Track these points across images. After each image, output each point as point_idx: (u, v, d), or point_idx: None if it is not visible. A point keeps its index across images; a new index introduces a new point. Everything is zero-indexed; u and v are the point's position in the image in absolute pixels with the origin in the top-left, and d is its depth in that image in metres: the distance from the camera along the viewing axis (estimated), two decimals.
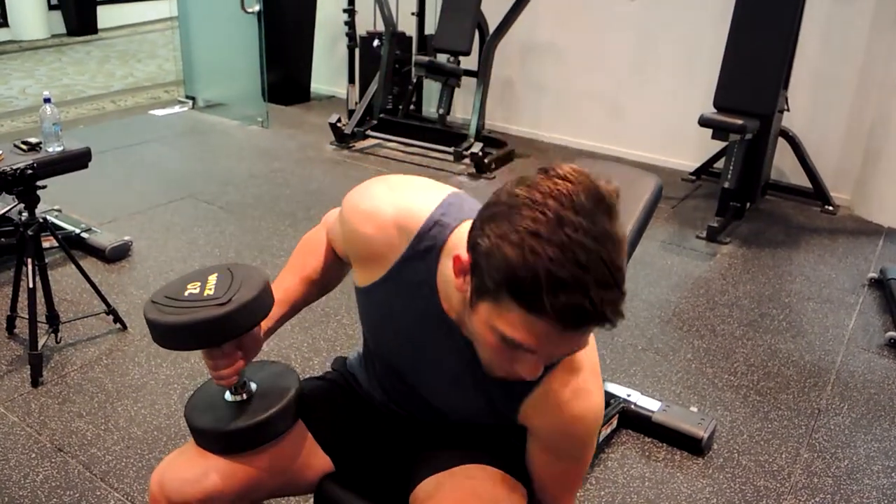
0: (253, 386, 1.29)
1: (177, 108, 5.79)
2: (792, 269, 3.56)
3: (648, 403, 2.39)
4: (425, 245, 1.10)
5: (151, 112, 5.71)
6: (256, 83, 5.42)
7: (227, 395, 1.27)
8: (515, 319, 0.89)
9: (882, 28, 4.01)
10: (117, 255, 3.31)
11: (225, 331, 1.15)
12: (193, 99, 5.88)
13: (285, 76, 5.87)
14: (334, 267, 1.35)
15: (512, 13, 4.54)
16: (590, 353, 1.11)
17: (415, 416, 1.34)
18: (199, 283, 1.19)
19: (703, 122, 3.70)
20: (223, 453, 1.25)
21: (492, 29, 4.71)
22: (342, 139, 5.02)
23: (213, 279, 1.19)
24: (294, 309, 1.34)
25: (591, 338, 1.13)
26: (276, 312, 1.26)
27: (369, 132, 5.04)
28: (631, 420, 2.38)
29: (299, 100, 6.08)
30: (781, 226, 4.07)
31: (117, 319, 2.76)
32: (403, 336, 1.20)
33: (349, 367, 1.45)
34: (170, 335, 1.15)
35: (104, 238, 3.35)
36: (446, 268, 1.05)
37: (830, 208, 4.24)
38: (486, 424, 1.24)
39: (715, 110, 3.79)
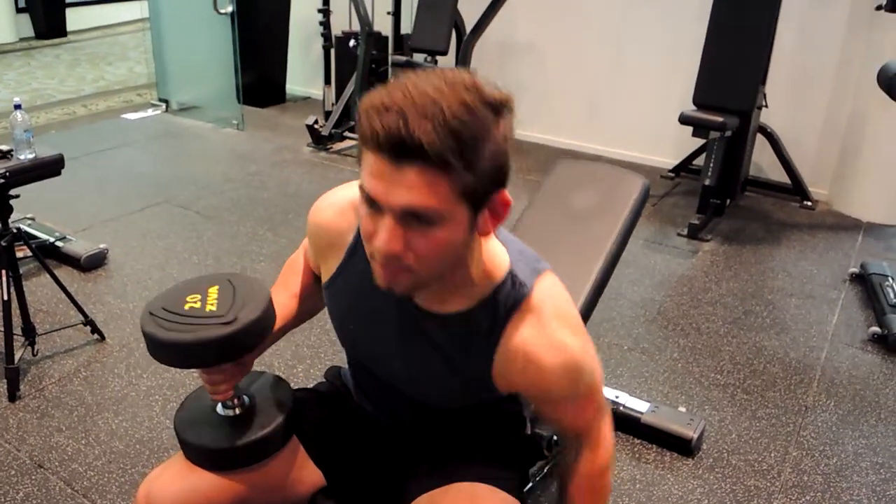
0: (246, 399, 1.25)
1: (150, 112, 5.70)
2: (773, 265, 3.57)
3: (637, 405, 2.38)
4: None
5: (124, 116, 5.61)
6: (231, 85, 5.35)
7: (220, 409, 1.24)
8: (364, 167, 0.93)
9: (858, 24, 4.04)
10: (93, 264, 3.24)
11: (230, 351, 1.11)
12: (166, 102, 5.78)
13: (260, 77, 5.79)
14: (317, 287, 1.32)
15: (489, 12, 4.51)
16: (548, 300, 1.08)
17: (405, 424, 1.31)
18: (199, 297, 1.14)
19: (684, 119, 3.70)
20: (214, 469, 1.21)
21: (469, 28, 4.68)
22: (319, 141, 4.97)
23: (213, 293, 1.15)
24: (286, 326, 1.32)
25: (559, 287, 1.10)
26: None
27: (347, 133, 5.00)
28: (620, 422, 2.36)
29: (274, 101, 6.00)
30: (761, 222, 4.09)
31: (95, 330, 2.70)
32: (365, 323, 1.18)
33: (343, 378, 1.42)
34: (170, 352, 1.10)
35: (79, 246, 3.28)
36: None
37: (809, 203, 4.26)
38: (476, 407, 1.20)
39: (694, 107, 3.79)
